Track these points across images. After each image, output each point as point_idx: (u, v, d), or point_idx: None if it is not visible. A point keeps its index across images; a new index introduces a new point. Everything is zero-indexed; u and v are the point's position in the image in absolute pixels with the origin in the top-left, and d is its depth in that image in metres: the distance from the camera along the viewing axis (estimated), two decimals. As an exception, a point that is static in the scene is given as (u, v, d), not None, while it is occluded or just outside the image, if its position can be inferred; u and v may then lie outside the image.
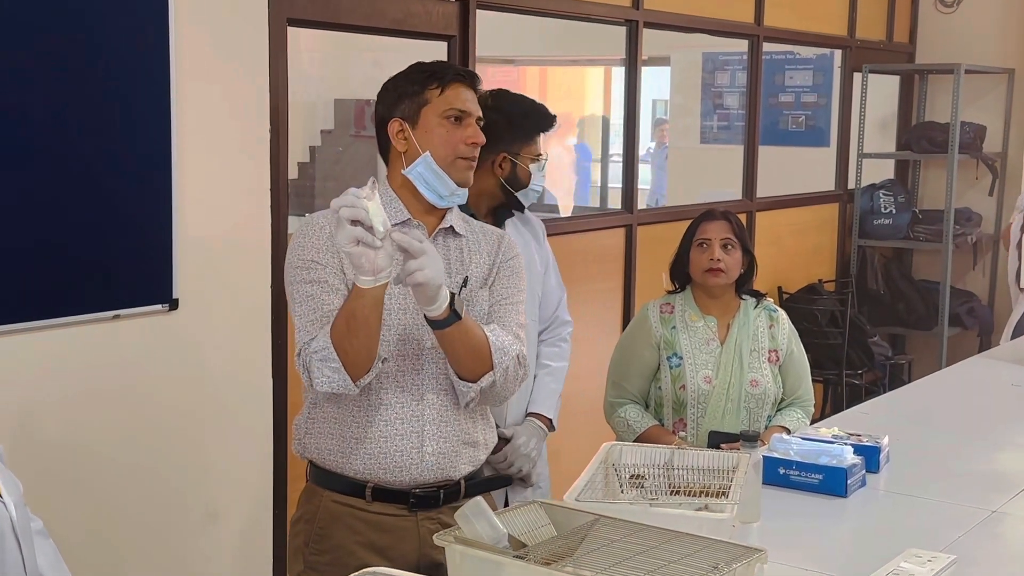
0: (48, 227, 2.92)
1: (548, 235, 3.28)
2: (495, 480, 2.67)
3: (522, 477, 3.02)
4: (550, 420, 3.10)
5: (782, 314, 3.47)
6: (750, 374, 3.32)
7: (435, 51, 4.07)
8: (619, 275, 5.09)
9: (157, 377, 3.20)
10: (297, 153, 6.45)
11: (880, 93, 6.88)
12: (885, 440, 2.82)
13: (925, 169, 7.13)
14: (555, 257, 3.30)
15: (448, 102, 2.39)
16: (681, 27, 5.49)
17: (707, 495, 2.32)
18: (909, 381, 5.75)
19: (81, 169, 2.97)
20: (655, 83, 7.97)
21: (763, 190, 6.04)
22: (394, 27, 3.90)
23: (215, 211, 3.30)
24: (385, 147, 2.46)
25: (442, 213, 2.45)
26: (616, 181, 5.75)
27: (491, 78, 6.05)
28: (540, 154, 3.01)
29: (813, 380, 3.53)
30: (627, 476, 2.42)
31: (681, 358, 3.33)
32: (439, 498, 2.42)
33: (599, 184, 9.46)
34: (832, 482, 2.60)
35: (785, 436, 2.77)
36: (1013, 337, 5.07)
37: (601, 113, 10.08)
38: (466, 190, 2.44)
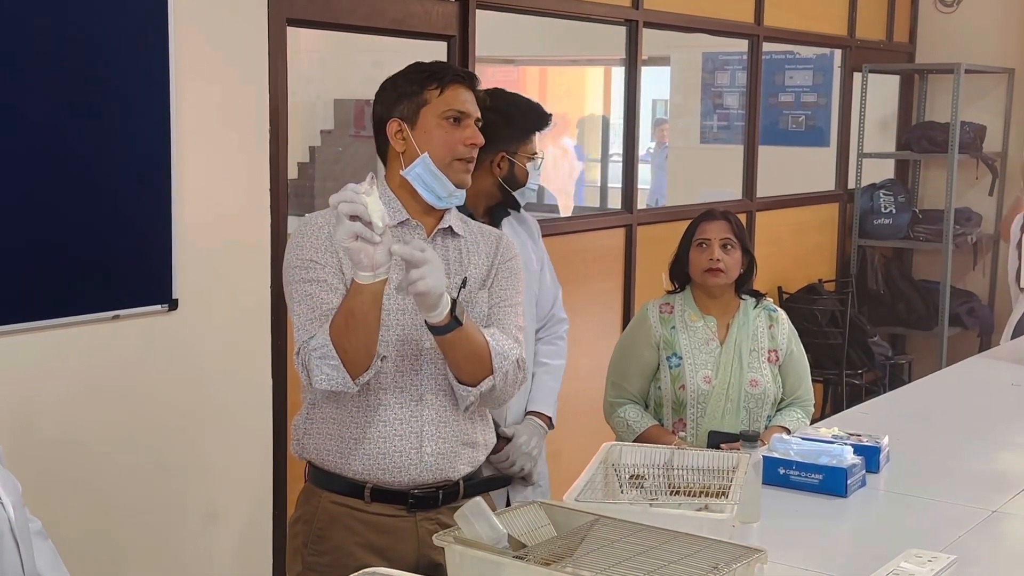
0: (48, 227, 2.92)
1: (548, 235, 3.28)
2: (494, 480, 2.67)
3: (523, 476, 3.03)
4: (549, 418, 3.11)
5: (782, 314, 3.47)
6: (750, 374, 3.31)
7: (435, 51, 4.07)
8: (619, 275, 5.09)
9: (157, 377, 3.20)
10: (297, 153, 6.45)
11: (880, 93, 6.88)
12: (885, 440, 2.82)
13: (925, 169, 7.13)
14: (554, 256, 3.31)
15: (447, 103, 2.39)
16: (681, 27, 5.49)
17: (707, 495, 2.32)
18: (909, 381, 5.75)
19: (81, 169, 2.97)
20: (655, 83, 7.97)
21: (763, 190, 6.04)
22: (394, 27, 3.90)
23: (215, 211, 3.30)
24: (383, 147, 2.45)
25: (441, 213, 2.45)
26: (616, 181, 5.74)
27: (491, 78, 6.04)
28: (536, 153, 3.02)
29: (813, 380, 3.53)
30: (627, 476, 2.41)
31: (681, 358, 3.33)
32: (438, 498, 2.42)
33: (599, 184, 9.45)
34: (832, 482, 2.59)
35: (785, 436, 2.77)
36: (1013, 337, 5.07)
37: (601, 113, 10.07)
38: (464, 191, 2.43)
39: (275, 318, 3.46)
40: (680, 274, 3.45)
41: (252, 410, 3.47)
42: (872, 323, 6.47)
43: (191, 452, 3.31)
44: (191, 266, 3.22)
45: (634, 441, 3.22)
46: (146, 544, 3.23)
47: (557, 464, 3.45)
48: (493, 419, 2.76)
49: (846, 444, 2.70)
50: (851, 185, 6.76)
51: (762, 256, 5.02)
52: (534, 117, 3.04)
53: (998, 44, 6.79)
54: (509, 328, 2.42)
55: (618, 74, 6.80)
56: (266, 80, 3.43)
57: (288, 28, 3.51)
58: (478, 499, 1.86)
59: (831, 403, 6.22)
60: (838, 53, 6.71)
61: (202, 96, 3.23)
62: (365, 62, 6.36)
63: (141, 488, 3.19)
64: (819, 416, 4.66)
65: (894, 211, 6.71)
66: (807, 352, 3.52)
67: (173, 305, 3.19)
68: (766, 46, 6.01)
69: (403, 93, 2.41)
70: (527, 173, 3.00)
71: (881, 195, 6.72)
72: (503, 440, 2.96)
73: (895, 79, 7.10)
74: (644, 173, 7.40)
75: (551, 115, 3.08)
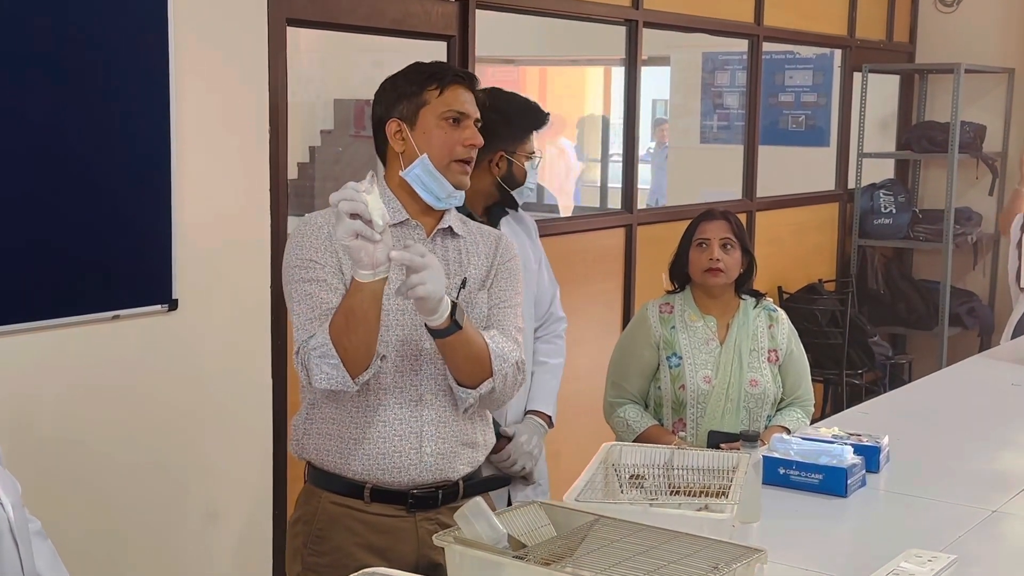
0: (48, 227, 2.92)
1: (548, 235, 3.29)
2: (493, 480, 2.67)
3: (524, 475, 3.03)
4: (549, 417, 3.11)
5: (781, 314, 3.47)
6: (749, 374, 3.31)
7: (435, 51, 4.07)
8: (619, 275, 5.09)
9: (157, 377, 3.20)
10: (297, 153, 6.44)
11: (880, 93, 6.88)
12: (885, 440, 2.82)
13: (925, 169, 7.13)
14: (553, 256, 3.31)
15: (447, 104, 2.39)
16: (681, 27, 5.49)
17: (707, 495, 2.32)
18: (909, 381, 5.75)
19: (80, 170, 2.97)
20: (655, 83, 7.96)
21: (763, 190, 6.04)
22: (393, 27, 3.90)
23: (215, 211, 3.30)
24: (382, 147, 2.45)
25: (440, 213, 2.45)
26: (616, 181, 5.74)
27: (491, 78, 6.05)
28: (534, 152, 3.03)
29: (813, 380, 3.53)
30: (627, 476, 2.41)
31: (680, 358, 3.33)
32: (437, 499, 2.42)
33: (599, 184, 9.45)
34: (832, 482, 2.59)
35: (785, 436, 2.77)
36: (1013, 337, 5.07)
37: (601, 113, 10.07)
38: (463, 192, 2.43)
39: (275, 318, 3.46)
40: (680, 274, 3.45)
41: (252, 410, 3.47)
42: (872, 323, 6.47)
43: (191, 452, 3.31)
44: (191, 266, 3.22)
45: (634, 441, 3.22)
46: (146, 544, 3.23)
47: (557, 464, 3.45)
48: (494, 419, 2.76)
49: (846, 444, 2.70)
50: (851, 185, 6.76)
51: (762, 256, 5.02)
52: (532, 116, 3.05)
53: (998, 44, 6.79)
54: (508, 329, 2.42)
55: (618, 74, 6.80)
56: (266, 80, 3.43)
57: (288, 28, 3.50)
58: (478, 499, 1.86)
59: (831, 403, 6.22)
60: (838, 53, 6.71)
61: (202, 96, 3.23)
62: (365, 62, 6.36)
63: (141, 488, 3.19)
64: (819, 416, 4.66)
65: (894, 211, 6.71)
66: (807, 352, 3.52)
67: (173, 305, 3.19)
68: (766, 46, 6.01)
69: (403, 93, 2.41)
70: (525, 172, 3.01)
71: (881, 195, 6.72)
72: (504, 439, 2.97)
73: (895, 79, 7.10)
74: (644, 173, 7.40)
75: (548, 114, 3.09)
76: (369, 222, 2.09)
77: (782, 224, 6.21)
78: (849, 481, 2.59)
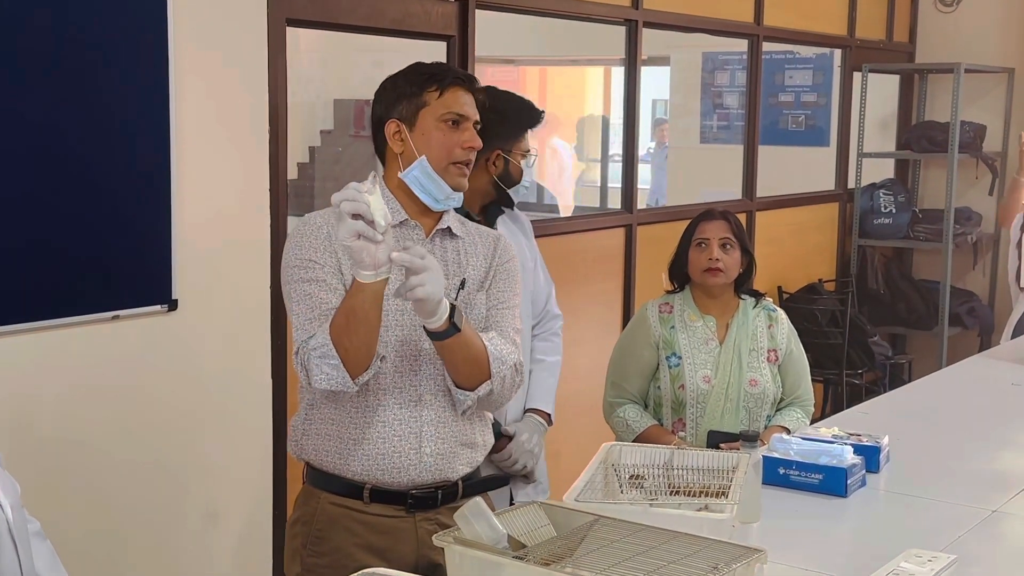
0: (47, 227, 2.92)
1: (548, 235, 3.29)
2: (492, 480, 2.67)
3: (525, 474, 3.04)
4: (549, 415, 3.12)
5: (781, 314, 3.47)
6: (749, 374, 3.31)
7: (434, 51, 4.07)
8: (619, 275, 5.09)
9: (156, 377, 3.20)
10: (296, 153, 6.44)
11: (880, 93, 6.88)
12: (885, 440, 2.82)
13: (925, 169, 7.13)
14: (553, 256, 3.32)
15: (446, 105, 2.38)
16: (681, 27, 5.49)
17: (707, 495, 2.32)
18: (909, 381, 5.75)
19: (80, 170, 2.97)
20: (655, 83, 7.96)
21: (763, 190, 6.04)
22: (393, 27, 3.90)
23: (214, 212, 3.30)
24: (381, 147, 2.45)
25: (439, 214, 2.45)
26: (616, 181, 5.74)
27: (491, 78, 6.04)
28: (529, 150, 3.03)
29: (813, 380, 3.53)
30: (627, 476, 2.41)
31: (680, 358, 3.33)
32: (437, 499, 2.42)
33: (599, 184, 9.45)
34: (832, 482, 2.59)
35: (785, 436, 2.77)
36: (1013, 336, 5.07)
37: (601, 113, 10.07)
38: (461, 194, 2.43)
39: (275, 318, 3.46)
40: (679, 274, 3.45)
41: (252, 410, 3.47)
42: (872, 323, 6.47)
43: (191, 452, 3.31)
44: (191, 266, 3.22)
45: (634, 441, 3.22)
46: (146, 544, 3.23)
47: (557, 464, 3.45)
48: (495, 418, 2.76)
49: (846, 444, 2.70)
50: (851, 185, 6.76)
51: (762, 256, 5.02)
52: (527, 114, 3.05)
53: (998, 44, 6.79)
54: (506, 330, 2.42)
55: (618, 74, 6.80)
56: (265, 80, 3.43)
57: (288, 28, 3.50)
58: (478, 499, 1.86)
59: (831, 403, 6.22)
60: (838, 53, 6.71)
61: (201, 96, 3.23)
62: (365, 62, 6.36)
63: (141, 488, 3.19)
64: (819, 416, 4.65)
65: (894, 211, 6.71)
66: (807, 352, 3.52)
67: (173, 305, 3.19)
68: (766, 46, 6.01)
69: (402, 94, 2.40)
70: (521, 170, 3.02)
71: (881, 195, 6.72)
72: (505, 438, 2.97)
73: (895, 79, 7.10)
74: (644, 173, 7.41)
75: (543, 112, 3.09)
76: (371, 223, 2.09)
77: (782, 224, 6.21)
78: (849, 481, 2.59)
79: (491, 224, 2.92)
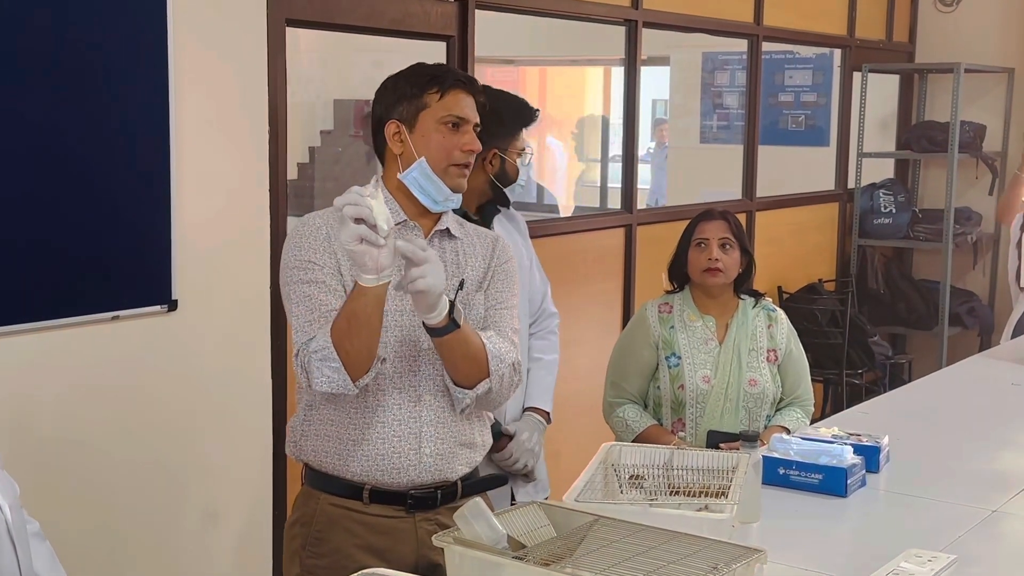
0: (47, 228, 2.92)
1: (548, 235, 3.29)
2: (492, 480, 2.67)
3: (526, 473, 3.04)
4: (547, 413, 3.12)
5: (780, 314, 3.47)
6: (748, 374, 3.31)
7: (434, 51, 4.07)
8: (619, 275, 5.09)
9: (156, 378, 3.20)
10: (296, 154, 6.44)
11: (880, 92, 6.88)
12: (885, 440, 2.82)
13: (925, 168, 7.13)
14: (553, 256, 3.32)
15: (447, 108, 2.38)
16: (680, 27, 5.49)
17: (707, 495, 2.32)
18: (909, 381, 5.75)
19: (80, 170, 2.97)
20: (655, 83, 7.96)
21: (763, 190, 6.03)
22: (393, 27, 3.90)
23: (214, 212, 3.30)
24: (381, 147, 2.45)
25: (437, 215, 2.45)
26: (616, 181, 5.74)
27: (491, 78, 6.03)
28: (525, 149, 3.04)
29: (813, 380, 3.53)
30: (626, 476, 2.41)
31: (680, 358, 3.33)
32: (436, 499, 2.42)
33: (599, 184, 9.44)
34: (832, 482, 2.59)
35: (785, 436, 2.77)
36: (1013, 336, 5.08)
37: (601, 113, 10.07)
38: (460, 195, 2.43)
39: (275, 318, 3.46)
40: (679, 274, 3.45)
41: (252, 410, 3.47)
42: (872, 323, 6.47)
43: (191, 452, 3.31)
44: (190, 267, 3.22)
45: (633, 441, 3.22)
46: (146, 544, 3.23)
47: (557, 464, 3.45)
48: (495, 417, 2.76)
49: (846, 444, 2.70)
50: (851, 185, 6.76)
51: (762, 256, 5.02)
52: (523, 113, 3.06)
53: (998, 44, 6.79)
54: (505, 330, 2.42)
55: (618, 74, 6.80)
56: (265, 80, 3.43)
57: (287, 28, 3.50)
58: (477, 499, 1.86)
59: (831, 403, 6.22)
60: (838, 53, 6.71)
61: (201, 97, 3.23)
62: (365, 62, 6.35)
63: (141, 488, 3.19)
64: (819, 416, 4.65)
65: (894, 211, 6.71)
66: (807, 352, 3.52)
67: (173, 306, 3.19)
68: (766, 46, 6.01)
69: (403, 95, 2.40)
70: (517, 169, 3.02)
71: (881, 195, 6.72)
72: (505, 438, 2.98)
73: (895, 79, 7.09)
74: (644, 173, 7.40)
75: (538, 110, 3.10)
76: (374, 227, 2.09)
77: (782, 224, 6.21)
78: (849, 481, 2.59)
79: (487, 223, 2.93)
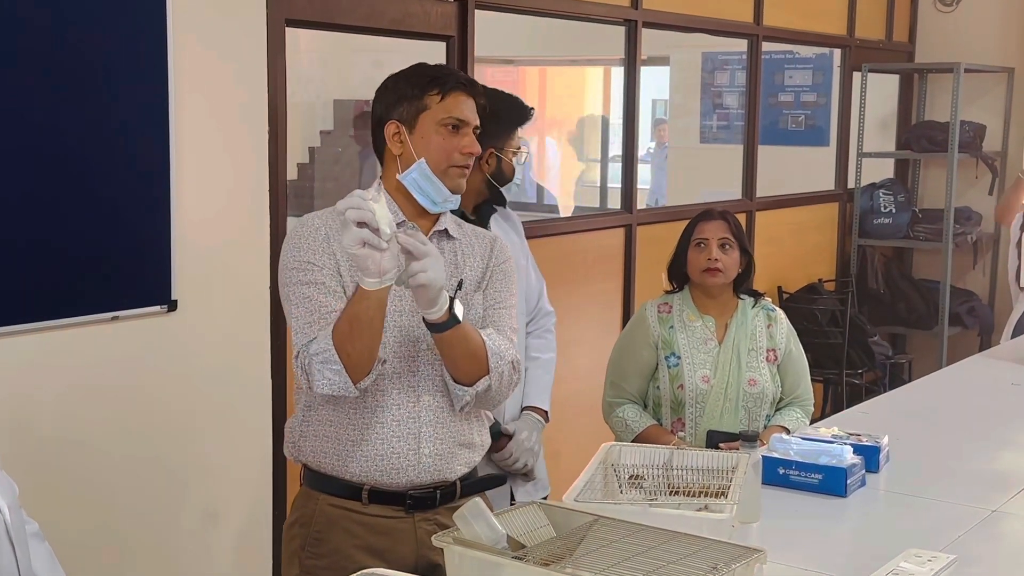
0: (47, 228, 2.92)
1: (548, 235, 3.29)
2: (491, 480, 2.67)
3: (525, 472, 3.04)
4: (545, 412, 3.12)
5: (780, 313, 3.47)
6: (748, 373, 3.31)
7: (434, 51, 4.07)
8: (619, 275, 5.09)
9: (156, 378, 3.20)
10: (296, 154, 6.44)
11: (880, 92, 6.88)
12: (885, 440, 2.82)
13: (925, 168, 7.13)
14: (553, 256, 3.32)
15: (447, 110, 2.38)
16: (680, 27, 5.49)
17: (707, 495, 2.32)
18: (909, 381, 5.75)
19: (80, 170, 2.97)
20: (654, 83, 7.96)
21: (763, 190, 6.03)
22: (393, 27, 3.90)
23: (214, 212, 3.30)
24: (380, 147, 2.45)
25: (436, 216, 2.45)
26: (616, 181, 5.75)
27: (490, 78, 6.04)
28: (520, 147, 3.04)
29: (813, 380, 3.53)
30: (626, 476, 2.41)
31: (679, 358, 3.33)
32: (435, 499, 2.42)
33: (599, 184, 9.44)
34: (832, 482, 2.59)
35: (785, 436, 2.77)
36: (1013, 336, 5.08)
37: (601, 113, 10.07)
38: (459, 196, 2.43)
39: (275, 319, 3.46)
40: (678, 274, 3.45)
41: (252, 410, 3.47)
42: (872, 323, 6.47)
43: (191, 452, 3.31)
44: (190, 267, 3.22)
45: (633, 441, 3.22)
46: (146, 544, 3.23)
47: (557, 464, 3.45)
48: (494, 417, 2.76)
49: (846, 444, 2.70)
50: (851, 185, 6.76)
51: (762, 256, 5.02)
52: (518, 112, 3.06)
53: (998, 44, 6.79)
54: (504, 329, 2.43)
55: (617, 74, 6.80)
56: (265, 81, 3.43)
57: (287, 28, 3.50)
58: (477, 499, 1.86)
59: (831, 403, 6.22)
60: (838, 53, 6.71)
61: (201, 97, 3.23)
62: (364, 62, 6.35)
63: (141, 488, 3.19)
64: (819, 416, 4.65)
65: (894, 210, 6.71)
66: (807, 352, 3.52)
67: (172, 306, 3.19)
68: (765, 46, 6.01)
69: (403, 95, 2.40)
70: (514, 168, 3.03)
71: (881, 194, 6.72)
72: (505, 437, 2.98)
73: (895, 78, 7.09)
74: (644, 173, 7.40)
75: (533, 108, 3.10)
76: (376, 230, 2.09)
77: (782, 224, 6.21)
78: (849, 481, 2.59)
79: (484, 223, 2.93)
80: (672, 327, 3.37)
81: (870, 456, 2.73)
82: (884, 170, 7.04)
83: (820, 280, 6.47)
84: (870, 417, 3.26)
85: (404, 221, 2.40)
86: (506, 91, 3.13)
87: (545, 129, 9.61)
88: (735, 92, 7.16)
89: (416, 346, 2.36)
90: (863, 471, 2.67)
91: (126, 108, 3.05)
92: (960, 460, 2.92)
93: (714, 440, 3.20)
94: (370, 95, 2.50)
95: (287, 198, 3.57)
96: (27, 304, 2.90)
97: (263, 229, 3.44)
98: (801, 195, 6.51)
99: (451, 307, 2.22)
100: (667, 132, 9.38)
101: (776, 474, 2.63)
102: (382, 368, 2.30)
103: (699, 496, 2.32)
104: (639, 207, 5.27)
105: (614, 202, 6.17)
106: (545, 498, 3.03)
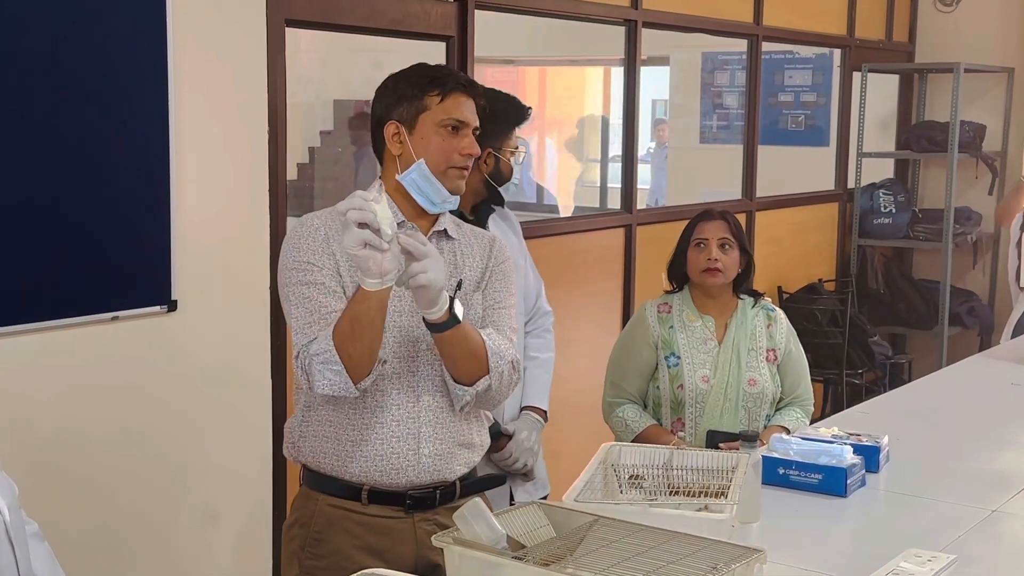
0: (47, 228, 2.92)
1: (548, 235, 3.29)
2: (490, 480, 2.67)
3: (525, 472, 3.04)
4: (544, 411, 3.12)
5: (780, 313, 3.47)
6: (748, 373, 3.31)
7: (433, 51, 4.07)
8: (619, 275, 5.09)
9: (156, 378, 3.20)
10: (296, 154, 6.43)
11: (880, 92, 6.88)
12: (885, 440, 2.82)
13: (925, 168, 7.13)
14: (553, 256, 3.32)
15: (447, 111, 2.38)
16: (680, 27, 5.49)
17: (706, 495, 2.32)
18: (909, 381, 5.75)
19: (80, 171, 2.97)
20: (654, 83, 7.96)
21: (763, 190, 6.03)
22: (393, 27, 3.90)
23: (213, 213, 3.30)
24: (380, 147, 2.45)
25: (435, 216, 2.45)
26: (615, 181, 5.75)
27: (490, 78, 6.04)
28: (518, 147, 3.04)
29: (813, 380, 3.53)
30: (626, 476, 2.41)
31: (679, 358, 3.33)
32: (435, 499, 2.42)
33: (598, 184, 9.44)
34: (832, 482, 2.59)
35: (785, 436, 2.77)
36: (1013, 336, 5.08)
37: (600, 113, 10.07)
38: (458, 197, 2.43)
39: (275, 318, 3.46)
40: (678, 274, 3.45)
41: (252, 410, 3.47)
42: (872, 323, 6.47)
43: (191, 452, 3.31)
44: (190, 267, 3.22)
45: (633, 441, 3.22)
46: (145, 544, 3.23)
47: (557, 464, 3.45)
48: (493, 417, 2.76)
49: (846, 444, 2.70)
50: (851, 185, 6.76)
51: (762, 256, 5.02)
52: (515, 111, 3.06)
53: (998, 44, 6.79)
54: (503, 329, 2.43)
55: (617, 74, 6.80)
56: (264, 81, 3.43)
57: (287, 29, 3.50)
58: (477, 500, 1.86)
59: (831, 403, 6.22)
60: (837, 53, 6.71)
61: (201, 97, 3.23)
62: (364, 62, 6.35)
63: (141, 489, 3.19)
64: (819, 416, 4.65)
65: (894, 210, 6.71)
66: (807, 352, 3.52)
67: (172, 306, 3.19)
68: (765, 46, 6.01)
69: (403, 96, 2.40)
70: (511, 168, 3.03)
71: (881, 195, 6.72)
72: (505, 437, 2.98)
73: (894, 78, 7.10)
74: (644, 173, 7.40)
75: (530, 108, 3.10)
76: (377, 231, 2.09)
77: (782, 224, 6.21)
78: (849, 481, 2.59)
79: (482, 223, 2.93)
80: (672, 327, 3.37)
81: (870, 456, 2.73)
82: (884, 170, 7.04)
83: (820, 280, 6.47)
84: (870, 417, 3.26)
85: (403, 221, 2.40)
86: (504, 91, 3.13)
87: (545, 129, 9.61)
88: (735, 92, 7.16)
89: (416, 346, 2.36)
90: (863, 471, 2.67)
91: (126, 108, 3.05)
92: (960, 460, 2.92)
93: (714, 440, 3.21)
94: (370, 95, 2.49)
95: (287, 198, 3.57)
96: (27, 304, 2.90)
97: (263, 229, 3.44)
98: (801, 195, 6.52)
99: (451, 307, 2.22)
100: (667, 132, 9.38)
101: (776, 474, 2.63)
102: (382, 368, 2.30)
103: (699, 496, 2.32)
104: (639, 207, 5.27)
105: (614, 202, 6.17)
106: (545, 498, 3.03)
